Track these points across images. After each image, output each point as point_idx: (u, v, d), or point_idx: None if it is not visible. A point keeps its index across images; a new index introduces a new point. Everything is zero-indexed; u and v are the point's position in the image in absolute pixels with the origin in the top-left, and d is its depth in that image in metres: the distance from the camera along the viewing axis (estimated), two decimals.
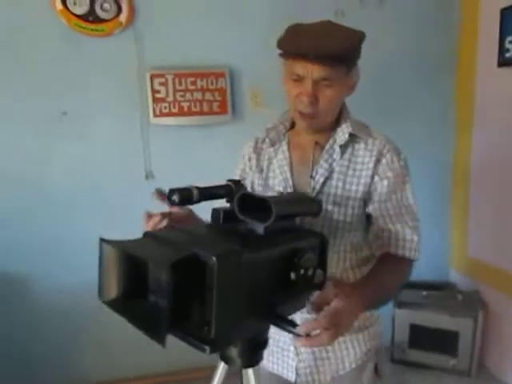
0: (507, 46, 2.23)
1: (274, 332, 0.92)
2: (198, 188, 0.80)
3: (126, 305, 0.69)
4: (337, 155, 1.10)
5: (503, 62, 2.27)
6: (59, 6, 2.10)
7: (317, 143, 1.12)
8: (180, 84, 2.28)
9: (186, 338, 0.68)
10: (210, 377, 0.93)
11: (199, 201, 0.80)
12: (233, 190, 0.83)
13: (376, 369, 1.22)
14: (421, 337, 2.55)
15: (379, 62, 2.28)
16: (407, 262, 1.07)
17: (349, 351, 1.16)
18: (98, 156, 2.30)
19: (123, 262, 0.68)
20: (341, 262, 1.13)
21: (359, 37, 1.01)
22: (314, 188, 1.10)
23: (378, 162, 1.08)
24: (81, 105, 2.24)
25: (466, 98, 2.60)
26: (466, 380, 2.50)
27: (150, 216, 0.92)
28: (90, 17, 2.14)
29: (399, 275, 1.05)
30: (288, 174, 1.14)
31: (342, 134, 1.10)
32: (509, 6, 2.22)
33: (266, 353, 0.85)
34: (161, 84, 2.26)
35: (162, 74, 2.26)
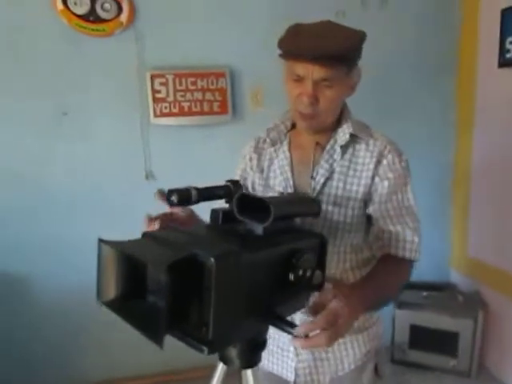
0: (508, 46, 2.23)
1: (274, 332, 0.92)
2: (196, 188, 0.80)
3: (124, 305, 0.69)
4: (337, 156, 1.09)
5: (504, 63, 2.27)
6: (60, 5, 2.10)
7: (317, 143, 1.12)
8: (180, 84, 2.28)
9: (185, 338, 0.68)
10: (210, 376, 0.93)
11: (198, 201, 0.80)
12: (232, 190, 0.83)
13: (376, 370, 1.22)
14: (421, 337, 2.55)
15: (380, 62, 2.28)
16: (408, 263, 1.06)
17: (348, 352, 1.16)
18: (99, 156, 2.31)
19: (122, 262, 0.67)
20: (341, 263, 1.12)
21: (360, 37, 1.01)
22: (314, 188, 1.09)
23: (378, 162, 1.08)
24: (81, 105, 2.24)
25: (466, 99, 2.60)
26: (466, 381, 2.50)
27: (150, 219, 0.91)
28: (91, 17, 2.14)
29: (399, 276, 1.04)
30: (289, 174, 1.13)
31: (343, 134, 1.10)
32: (509, 6, 2.21)
33: (265, 353, 0.85)
34: (161, 84, 2.26)
35: (163, 74, 2.26)
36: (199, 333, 0.65)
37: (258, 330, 0.80)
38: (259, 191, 1.19)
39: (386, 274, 1.01)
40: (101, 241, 0.68)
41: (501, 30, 2.27)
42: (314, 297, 0.82)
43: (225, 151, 2.33)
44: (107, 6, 2.15)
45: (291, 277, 0.73)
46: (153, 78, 2.25)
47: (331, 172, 1.09)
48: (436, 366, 2.55)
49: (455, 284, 2.79)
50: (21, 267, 2.29)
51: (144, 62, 2.26)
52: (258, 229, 0.75)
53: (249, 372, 0.83)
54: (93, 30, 2.16)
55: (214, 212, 0.80)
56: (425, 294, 2.59)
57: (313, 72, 0.98)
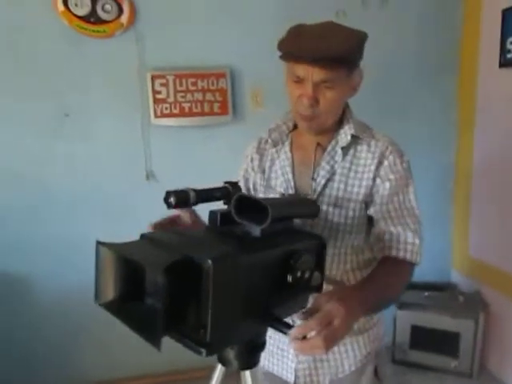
0: (508, 46, 2.23)
1: (274, 333, 0.91)
2: (194, 190, 0.79)
3: (122, 307, 0.69)
4: (338, 157, 1.09)
5: (505, 63, 2.27)
6: (61, 7, 2.11)
7: (319, 144, 1.11)
8: (181, 85, 2.28)
9: (183, 340, 0.68)
10: (209, 377, 0.93)
11: (196, 203, 0.80)
12: (230, 192, 0.83)
13: (376, 372, 1.21)
14: (422, 338, 2.55)
15: (381, 61, 2.28)
16: (408, 265, 1.05)
17: (348, 354, 1.15)
18: (99, 156, 2.31)
19: (119, 264, 0.67)
20: (341, 264, 1.12)
21: (361, 38, 1.00)
22: (315, 190, 1.09)
23: (380, 164, 1.07)
24: (82, 105, 2.25)
25: (467, 99, 2.60)
26: (467, 381, 2.49)
27: (154, 227, 0.89)
28: (92, 18, 2.14)
29: (400, 278, 1.02)
30: (290, 175, 1.13)
31: (345, 135, 1.09)
32: (510, 6, 2.21)
33: (265, 353, 0.84)
34: (162, 85, 2.26)
35: (163, 75, 2.26)
36: (197, 335, 0.65)
37: (256, 332, 0.80)
38: (261, 192, 1.19)
39: (387, 276, 0.99)
40: (99, 243, 0.68)
41: (502, 30, 2.26)
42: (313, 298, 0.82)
43: (225, 152, 2.33)
44: (108, 7, 2.15)
45: (289, 278, 0.73)
46: (153, 78, 2.25)
47: (332, 173, 1.09)
48: (437, 367, 2.54)
49: (456, 284, 2.79)
50: (21, 267, 2.29)
51: (144, 62, 2.26)
52: (256, 230, 0.75)
53: (247, 373, 0.83)
54: (93, 31, 2.17)
55: (213, 213, 0.80)
56: (426, 294, 2.58)
57: (313, 74, 0.97)
